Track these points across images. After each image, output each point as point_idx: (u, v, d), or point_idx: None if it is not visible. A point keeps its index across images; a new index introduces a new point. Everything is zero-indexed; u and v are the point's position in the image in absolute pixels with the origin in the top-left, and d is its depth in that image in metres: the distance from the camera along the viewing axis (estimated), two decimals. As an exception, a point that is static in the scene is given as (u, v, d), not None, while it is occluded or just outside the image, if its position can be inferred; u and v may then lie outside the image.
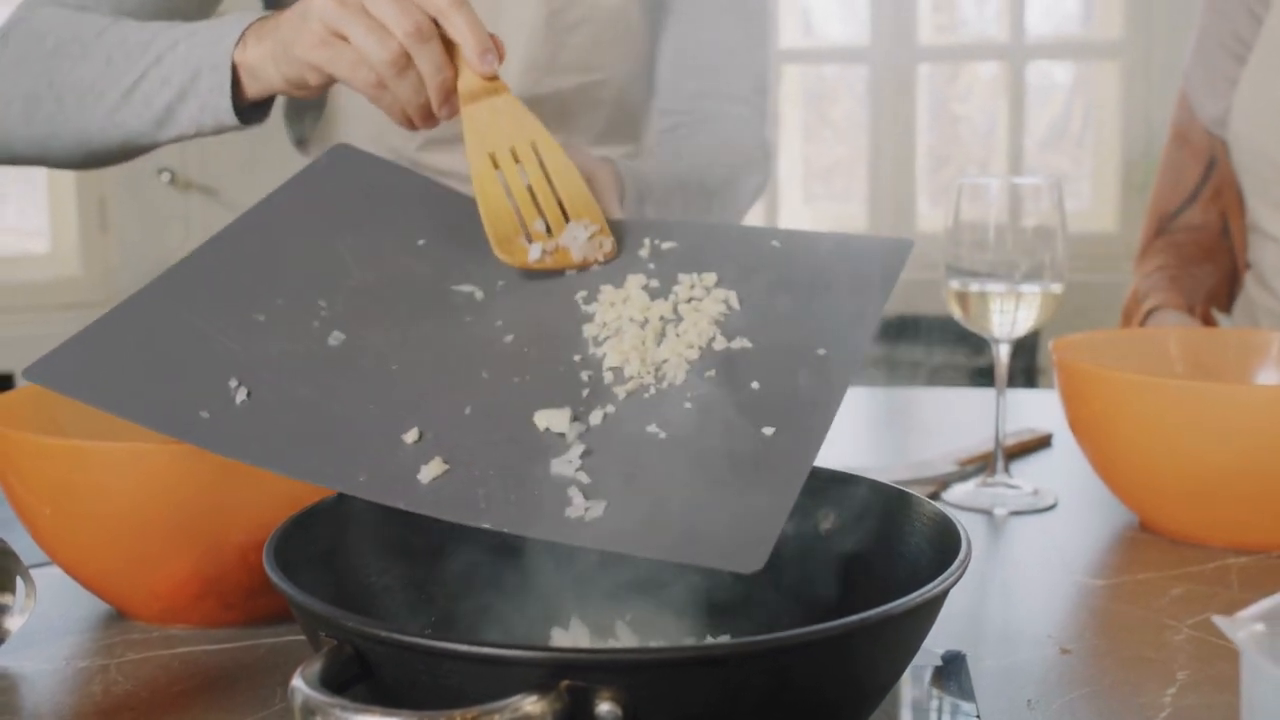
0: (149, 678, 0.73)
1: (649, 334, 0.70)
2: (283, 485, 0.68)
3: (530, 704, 0.47)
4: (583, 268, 0.77)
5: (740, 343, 0.70)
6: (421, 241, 0.81)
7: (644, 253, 0.78)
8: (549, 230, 0.79)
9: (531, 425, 0.66)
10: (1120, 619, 0.82)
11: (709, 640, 0.68)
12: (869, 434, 1.38)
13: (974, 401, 1.46)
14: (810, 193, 3.35)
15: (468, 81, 0.82)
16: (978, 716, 0.67)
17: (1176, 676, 0.73)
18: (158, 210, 2.76)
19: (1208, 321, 1.44)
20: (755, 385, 0.67)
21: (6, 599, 0.75)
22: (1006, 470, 1.07)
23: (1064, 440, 1.19)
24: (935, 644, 0.76)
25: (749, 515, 0.59)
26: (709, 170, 1.10)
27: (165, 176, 2.69)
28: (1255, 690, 0.42)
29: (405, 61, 0.82)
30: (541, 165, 0.81)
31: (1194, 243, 1.47)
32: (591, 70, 1.20)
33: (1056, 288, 1.03)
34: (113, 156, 1.07)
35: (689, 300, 0.73)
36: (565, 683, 0.48)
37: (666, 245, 0.79)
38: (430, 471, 0.64)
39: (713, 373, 0.68)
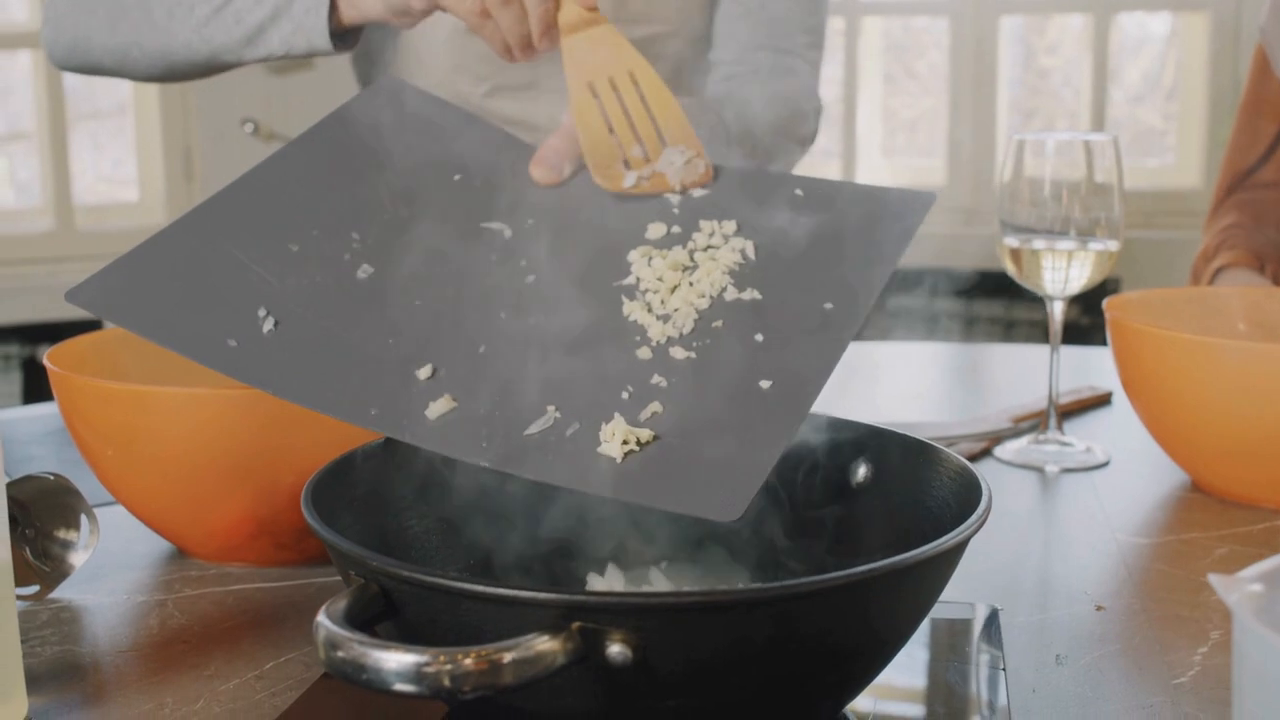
0: (203, 613, 0.76)
1: (665, 286, 0.71)
2: (334, 430, 0.70)
3: (543, 643, 0.49)
4: (680, 191, 0.79)
5: (750, 294, 0.71)
6: (457, 177, 0.82)
7: (674, 197, 0.79)
8: (647, 156, 0.81)
9: (538, 368, 0.67)
10: (1160, 578, 0.82)
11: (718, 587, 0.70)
12: (935, 389, 1.38)
13: (1041, 358, 1.45)
14: (890, 146, 3.31)
15: (568, 12, 0.85)
16: (1003, 669, 0.68)
17: (1210, 636, 0.73)
18: (241, 160, 2.80)
19: (1279, 282, 1.42)
20: (759, 338, 0.68)
21: (71, 536, 0.79)
22: (1060, 428, 1.07)
23: (1122, 399, 1.18)
24: (968, 597, 0.77)
25: (734, 466, 0.60)
26: (757, 121, 1.10)
27: (249, 127, 2.73)
28: (1245, 651, 0.43)
29: None
30: (640, 93, 0.83)
31: (1268, 200, 1.45)
32: (655, 22, 1.21)
33: (1113, 245, 1.03)
34: (194, 71, 1.08)
35: (706, 249, 0.74)
36: (577, 624, 0.50)
37: (698, 191, 0.80)
38: (438, 409, 0.66)
39: (720, 323, 0.69)
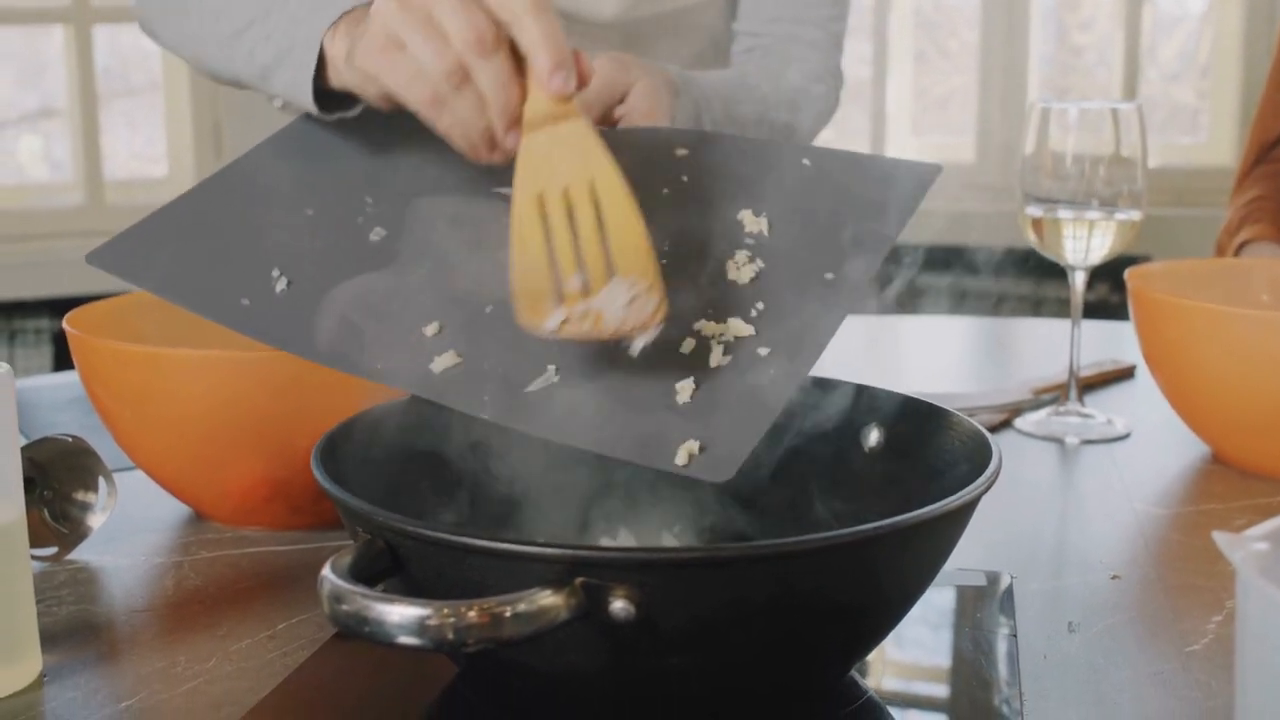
0: (218, 574, 0.77)
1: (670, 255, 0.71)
2: (349, 393, 0.71)
3: (546, 598, 0.49)
4: (619, 337, 0.66)
5: (756, 264, 0.71)
6: None
7: (682, 151, 0.79)
8: (587, 288, 0.67)
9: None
10: (1176, 548, 0.81)
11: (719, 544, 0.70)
12: (959, 362, 1.38)
13: (1067, 332, 1.44)
14: (920, 124, 3.29)
15: (535, 103, 0.69)
16: (1014, 636, 0.68)
17: (1225, 605, 0.72)
18: (268, 135, 2.81)
19: (1305, 255, 1.41)
20: (760, 306, 0.68)
21: (90, 498, 0.79)
22: (1080, 400, 1.06)
23: (1147, 372, 1.17)
24: (983, 565, 0.76)
25: (728, 429, 0.61)
26: (774, 91, 1.09)
27: (278, 102, 2.74)
28: (1248, 608, 0.42)
29: (464, 75, 0.70)
30: (598, 208, 0.67)
31: (1294, 174, 1.43)
32: None
33: (1135, 215, 1.02)
34: (232, 84, 0.99)
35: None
36: (580, 579, 0.50)
37: (709, 156, 0.79)
38: (443, 362, 0.66)
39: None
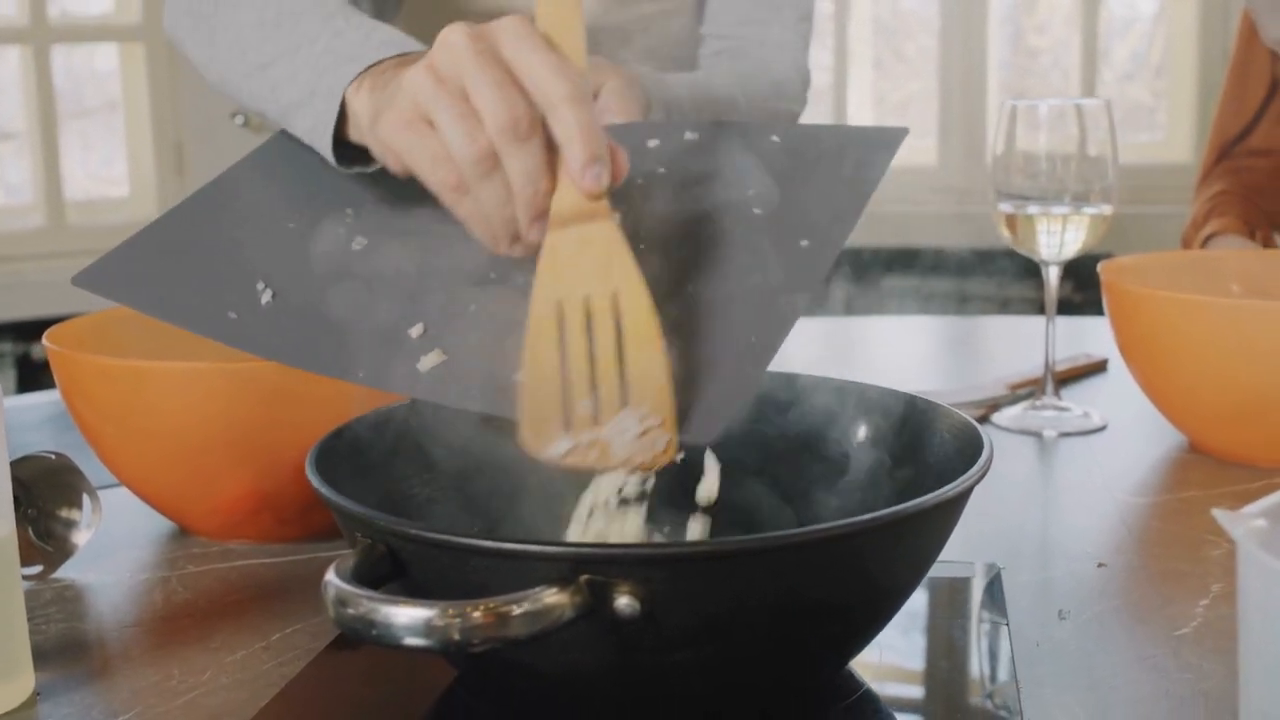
0: (207, 588, 0.77)
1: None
2: (336, 402, 0.71)
3: (551, 595, 0.49)
4: (628, 471, 0.63)
5: (734, 235, 0.71)
6: None
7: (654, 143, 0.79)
8: (596, 416, 0.63)
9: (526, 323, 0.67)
10: (1160, 535, 0.82)
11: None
12: (930, 360, 1.39)
13: (1036, 329, 1.46)
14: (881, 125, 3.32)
15: (564, 198, 0.64)
16: (1007, 625, 0.68)
17: (1211, 589, 0.73)
18: (231, 152, 2.78)
19: (1269, 246, 1.42)
20: (738, 273, 0.68)
21: (74, 515, 0.79)
22: (1057, 394, 1.07)
23: (1119, 365, 1.18)
24: (970, 558, 0.77)
25: (713, 394, 0.62)
26: (743, 92, 1.10)
27: (239, 119, 2.73)
28: (1250, 582, 0.43)
29: (493, 162, 0.65)
30: (618, 326, 0.64)
31: (1256, 168, 1.45)
32: (661, 0, 1.21)
33: (1107, 209, 1.03)
34: (259, 116, 0.93)
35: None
36: (585, 577, 0.50)
37: (689, 134, 0.79)
38: (429, 361, 0.67)
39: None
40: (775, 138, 0.78)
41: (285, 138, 0.83)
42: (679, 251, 0.71)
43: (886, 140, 0.75)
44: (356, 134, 0.77)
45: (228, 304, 0.71)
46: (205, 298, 0.72)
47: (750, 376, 0.63)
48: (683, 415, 0.61)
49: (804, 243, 0.69)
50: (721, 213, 0.73)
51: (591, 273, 0.63)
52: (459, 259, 0.74)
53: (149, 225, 0.76)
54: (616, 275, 0.63)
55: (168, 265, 0.74)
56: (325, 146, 0.78)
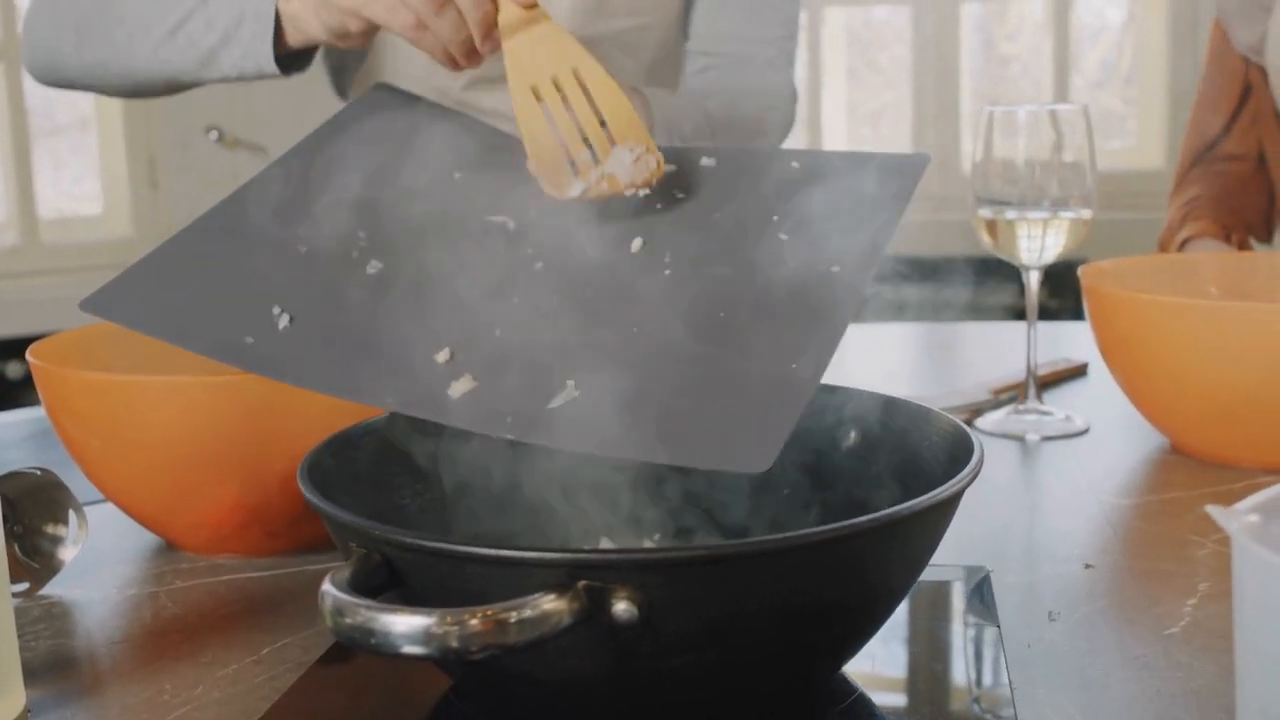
0: (196, 603, 0.76)
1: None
2: (322, 414, 0.71)
3: (549, 602, 0.49)
4: (632, 191, 0.77)
5: (763, 265, 0.71)
6: (458, 175, 0.83)
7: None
8: (596, 158, 0.78)
9: (554, 346, 0.68)
10: (1145, 536, 0.83)
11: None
12: (910, 367, 1.40)
13: (1014, 335, 1.47)
14: (856, 136, 3.33)
15: (507, 14, 0.82)
16: (997, 626, 0.69)
17: (1198, 588, 0.74)
18: (206, 168, 2.80)
19: (1244, 249, 1.44)
20: (771, 303, 0.68)
21: (60, 531, 0.78)
22: (1039, 398, 1.08)
23: (1099, 369, 1.19)
24: (960, 560, 0.77)
25: (757, 420, 0.61)
26: (736, 110, 1.11)
27: (213, 135, 2.72)
28: (1245, 576, 0.44)
29: (443, 0, 0.83)
30: (586, 91, 0.80)
31: (1230, 173, 1.46)
32: (637, 14, 1.21)
33: (1086, 214, 1.04)
34: (160, 89, 1.10)
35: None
36: (582, 583, 0.50)
37: (705, 160, 0.80)
38: (460, 388, 0.66)
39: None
40: (795, 164, 0.78)
41: (284, 165, 0.82)
42: (709, 280, 0.71)
43: (909, 167, 0.75)
44: (297, 35, 0.94)
45: (243, 329, 0.70)
46: (219, 322, 0.71)
47: (794, 402, 0.62)
48: (731, 446, 0.61)
49: (835, 269, 0.70)
50: (749, 239, 0.73)
51: (549, 60, 0.80)
52: (480, 282, 0.74)
53: (157, 249, 0.75)
54: (571, 56, 0.80)
55: (177, 289, 0.73)
56: (265, 57, 0.96)
